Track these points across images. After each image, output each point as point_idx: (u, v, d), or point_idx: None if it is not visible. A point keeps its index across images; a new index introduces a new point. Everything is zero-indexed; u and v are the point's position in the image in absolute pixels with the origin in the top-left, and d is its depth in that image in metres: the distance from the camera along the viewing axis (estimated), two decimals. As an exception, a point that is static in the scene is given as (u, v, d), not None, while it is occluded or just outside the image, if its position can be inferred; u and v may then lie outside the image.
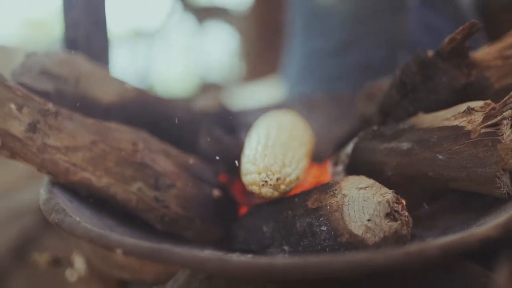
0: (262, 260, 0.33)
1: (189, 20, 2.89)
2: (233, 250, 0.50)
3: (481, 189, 0.45)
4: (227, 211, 0.54)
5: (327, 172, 0.58)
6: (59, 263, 0.65)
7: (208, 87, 2.86)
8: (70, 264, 0.73)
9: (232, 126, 0.65)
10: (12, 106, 0.48)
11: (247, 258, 0.34)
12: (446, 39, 0.49)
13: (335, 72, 0.94)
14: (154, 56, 3.02)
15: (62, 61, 0.58)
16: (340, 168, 0.54)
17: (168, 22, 2.92)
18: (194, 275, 0.49)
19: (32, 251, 0.86)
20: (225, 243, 0.52)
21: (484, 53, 0.52)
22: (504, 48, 0.52)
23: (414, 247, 0.33)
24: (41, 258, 0.63)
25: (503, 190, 0.44)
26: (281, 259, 0.33)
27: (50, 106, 0.50)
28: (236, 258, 0.33)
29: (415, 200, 0.50)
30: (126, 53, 2.92)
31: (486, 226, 0.36)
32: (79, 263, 0.73)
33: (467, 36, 0.48)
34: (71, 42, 0.64)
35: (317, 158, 0.63)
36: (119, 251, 0.36)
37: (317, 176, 0.60)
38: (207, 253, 0.34)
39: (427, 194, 0.51)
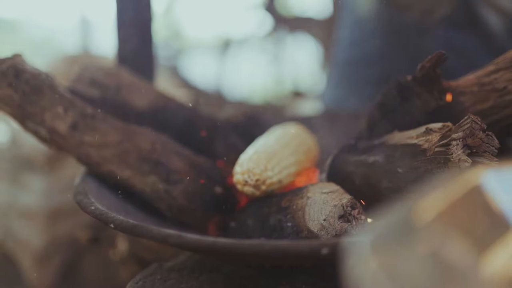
0: (208, 238, 0.42)
1: (278, 29, 3.00)
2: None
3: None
4: (226, 206, 0.63)
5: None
6: (98, 241, 0.77)
7: (295, 96, 2.97)
8: (114, 246, 0.86)
9: (252, 134, 0.74)
10: (60, 109, 0.61)
11: (199, 236, 0.42)
12: (419, 66, 0.55)
13: (362, 81, 1.01)
14: (242, 65, 3.17)
15: (109, 73, 0.70)
16: (323, 175, 0.61)
17: (258, 31, 3.05)
18: (191, 256, 0.59)
19: (103, 238, 1.00)
20: (222, 232, 0.62)
21: (464, 80, 0.57)
22: (482, 76, 0.56)
23: (333, 240, 0.41)
24: (82, 234, 0.76)
25: (453, 204, 0.49)
26: (223, 239, 0.42)
27: (88, 109, 0.62)
28: (191, 235, 0.42)
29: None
30: (215, 60, 3.09)
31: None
32: (122, 246, 0.85)
33: (436, 64, 0.54)
34: (121, 57, 0.76)
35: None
36: (112, 225, 0.47)
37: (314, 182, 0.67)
38: (171, 231, 0.43)
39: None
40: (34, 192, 1.13)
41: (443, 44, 0.90)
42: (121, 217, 0.47)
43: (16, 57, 0.60)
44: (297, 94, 2.99)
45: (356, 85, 1.05)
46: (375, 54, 1.01)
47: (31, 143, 1.05)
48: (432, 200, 0.29)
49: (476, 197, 0.30)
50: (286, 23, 2.93)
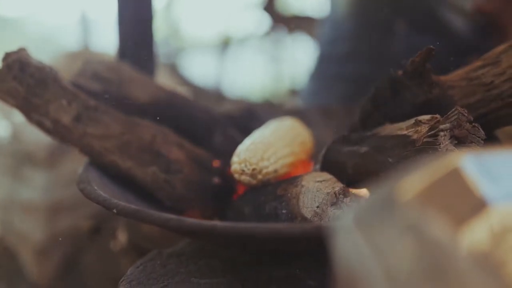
0: (207, 222, 0.44)
1: (276, 28, 3.02)
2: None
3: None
4: (223, 195, 0.65)
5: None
6: (99, 231, 0.79)
7: (292, 94, 2.99)
8: (115, 237, 0.88)
9: (249, 127, 0.76)
10: (64, 101, 0.63)
11: (199, 220, 0.45)
12: (409, 61, 0.58)
13: (333, 78, 1.06)
14: (241, 63, 3.19)
15: (110, 67, 0.72)
16: (317, 166, 0.63)
17: (256, 30, 3.07)
18: (189, 244, 0.61)
19: (104, 230, 1.02)
20: (220, 220, 0.64)
21: (453, 74, 0.60)
22: (470, 71, 0.58)
23: (320, 223, 0.43)
24: (84, 224, 0.78)
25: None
26: (222, 223, 0.44)
27: (91, 102, 0.64)
28: (190, 219, 0.44)
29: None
30: (215, 59, 3.12)
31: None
32: (122, 237, 0.87)
33: (425, 59, 0.56)
34: (122, 52, 0.78)
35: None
36: (114, 211, 0.49)
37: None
38: (171, 215, 0.45)
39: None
40: (35, 186, 1.14)
41: (409, 46, 0.93)
42: (123, 203, 0.49)
43: (21, 51, 0.62)
44: (294, 92, 3.01)
45: (327, 81, 1.09)
46: (345, 53, 1.05)
47: (32, 138, 1.07)
48: (414, 180, 0.31)
49: (455, 178, 0.32)
50: (285, 22, 2.95)
